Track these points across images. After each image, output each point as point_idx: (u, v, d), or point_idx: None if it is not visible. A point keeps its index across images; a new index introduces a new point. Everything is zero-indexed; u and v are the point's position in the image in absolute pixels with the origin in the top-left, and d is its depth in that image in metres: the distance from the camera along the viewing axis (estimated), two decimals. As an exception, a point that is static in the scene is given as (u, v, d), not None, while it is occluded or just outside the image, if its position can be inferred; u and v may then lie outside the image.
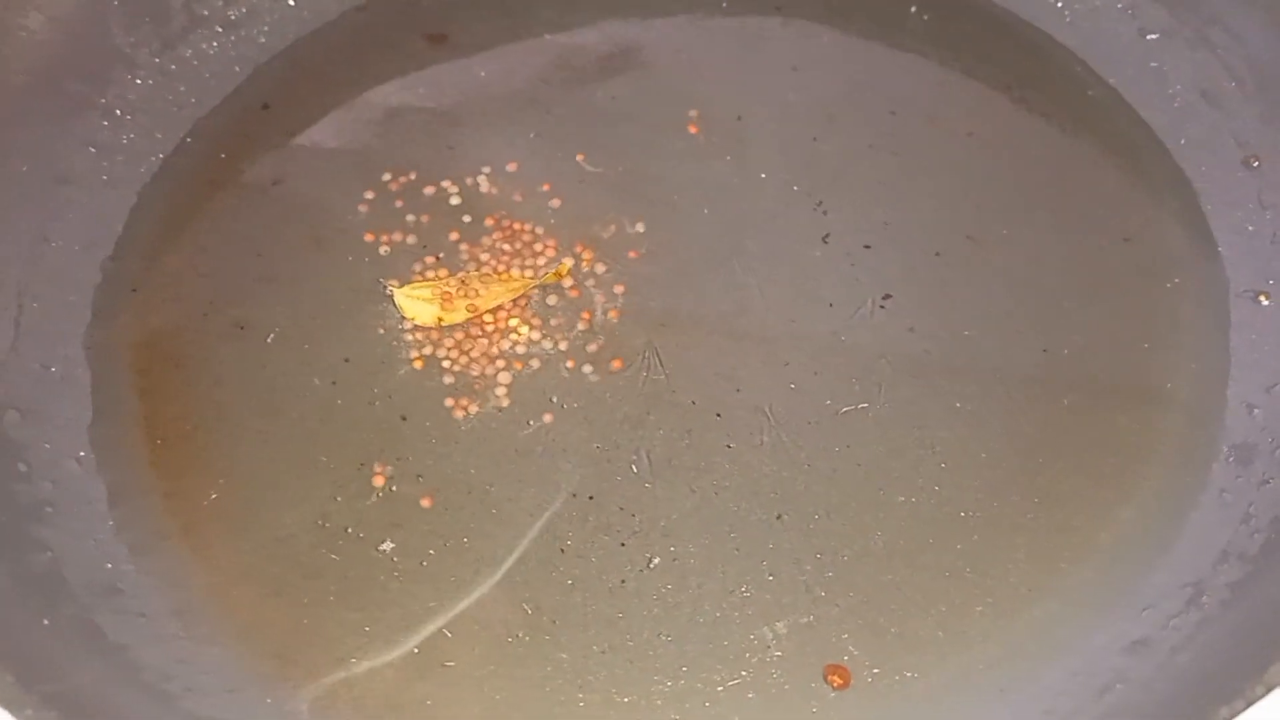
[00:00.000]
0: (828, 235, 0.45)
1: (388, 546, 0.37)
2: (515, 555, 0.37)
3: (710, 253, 0.44)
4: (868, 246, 0.44)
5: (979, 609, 0.36)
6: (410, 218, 0.45)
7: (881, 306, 0.43)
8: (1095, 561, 0.37)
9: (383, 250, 0.44)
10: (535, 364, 0.42)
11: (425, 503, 0.38)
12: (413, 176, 0.46)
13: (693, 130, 0.47)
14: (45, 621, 0.31)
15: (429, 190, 0.46)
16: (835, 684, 0.35)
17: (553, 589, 0.37)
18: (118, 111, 0.47)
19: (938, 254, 0.44)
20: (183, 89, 0.49)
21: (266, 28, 0.51)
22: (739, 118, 0.48)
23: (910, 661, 0.35)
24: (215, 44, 0.50)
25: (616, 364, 0.41)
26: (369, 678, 0.35)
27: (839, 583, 0.37)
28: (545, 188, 0.46)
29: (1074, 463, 0.39)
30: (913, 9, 0.51)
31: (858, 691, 0.35)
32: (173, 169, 0.47)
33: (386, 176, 0.47)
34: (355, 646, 0.36)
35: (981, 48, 0.49)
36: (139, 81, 0.48)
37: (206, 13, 0.49)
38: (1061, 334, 0.42)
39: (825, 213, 0.45)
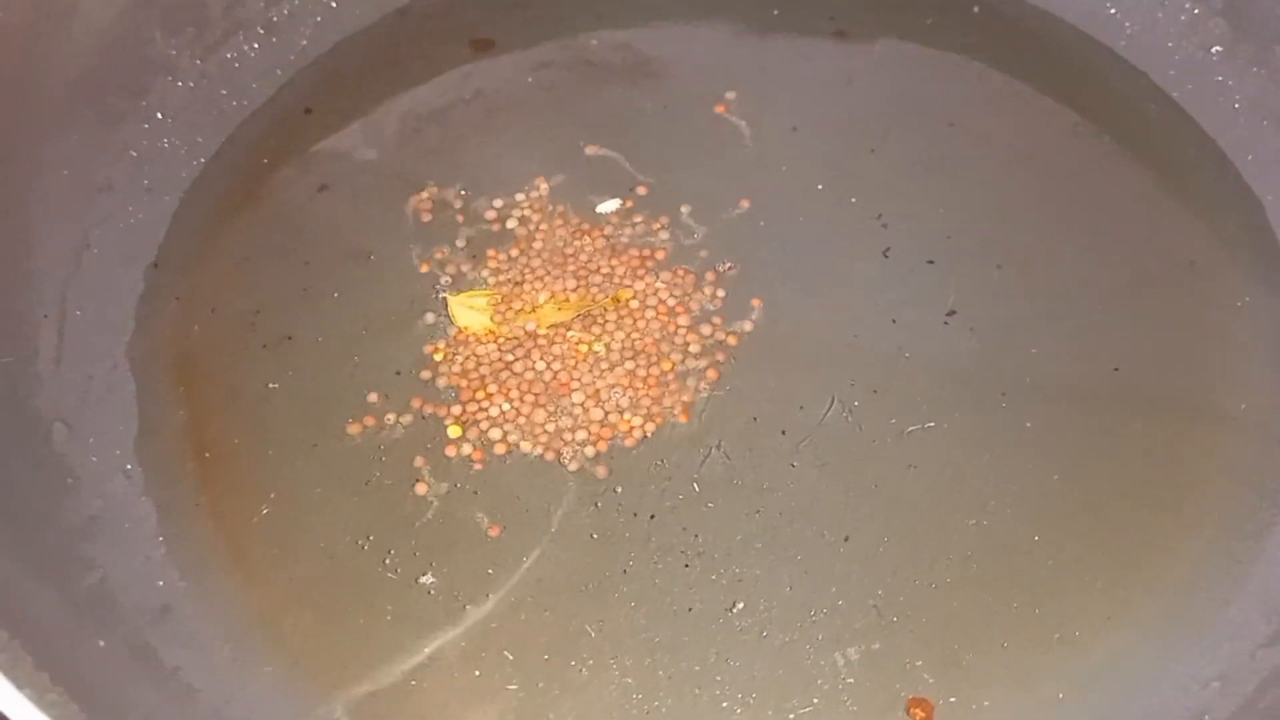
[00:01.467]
0: (888, 249, 0.44)
1: (437, 567, 0.36)
2: (577, 575, 0.36)
3: (769, 266, 0.43)
4: (930, 262, 0.43)
5: (1056, 636, 0.35)
6: (458, 226, 0.44)
7: (945, 323, 0.42)
8: (1171, 591, 0.36)
9: (432, 259, 0.44)
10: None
11: (480, 520, 0.37)
12: (459, 185, 0.46)
13: (717, 109, 0.46)
14: (100, 643, 0.30)
15: (475, 198, 0.45)
16: (917, 716, 0.34)
17: (616, 611, 0.36)
18: (159, 116, 0.46)
19: (1001, 270, 0.43)
20: (224, 93, 0.48)
21: (308, 31, 0.50)
22: (794, 129, 0.47)
23: (986, 691, 0.34)
24: (256, 47, 0.49)
25: (675, 380, 0.41)
26: (427, 701, 0.34)
27: (910, 609, 0.36)
28: (595, 199, 0.45)
29: (1145, 487, 0.38)
30: (975, 9, 0.50)
31: (933, 721, 0.34)
32: (214, 175, 0.46)
33: (433, 184, 0.46)
34: (414, 666, 0.34)
35: (1040, 61, 0.49)
36: (180, 86, 0.47)
37: (247, 16, 0.49)
38: (1130, 354, 0.41)
39: (885, 226, 0.44)
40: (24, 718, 0.23)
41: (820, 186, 0.45)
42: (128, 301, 0.42)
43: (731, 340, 0.41)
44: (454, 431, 0.39)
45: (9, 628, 0.26)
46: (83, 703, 0.25)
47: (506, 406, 0.39)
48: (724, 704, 0.34)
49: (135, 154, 0.45)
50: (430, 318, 0.42)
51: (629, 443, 0.39)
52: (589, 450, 0.39)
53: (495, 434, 0.39)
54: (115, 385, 0.40)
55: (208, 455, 0.39)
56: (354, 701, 0.34)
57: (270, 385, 0.40)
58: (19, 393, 0.37)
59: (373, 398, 0.40)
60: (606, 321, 0.41)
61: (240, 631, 0.34)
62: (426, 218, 0.45)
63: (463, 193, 0.45)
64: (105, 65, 0.44)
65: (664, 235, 0.44)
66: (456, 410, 0.39)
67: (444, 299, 0.42)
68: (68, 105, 0.43)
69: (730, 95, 0.48)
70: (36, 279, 0.40)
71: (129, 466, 0.37)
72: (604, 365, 0.40)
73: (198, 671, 0.33)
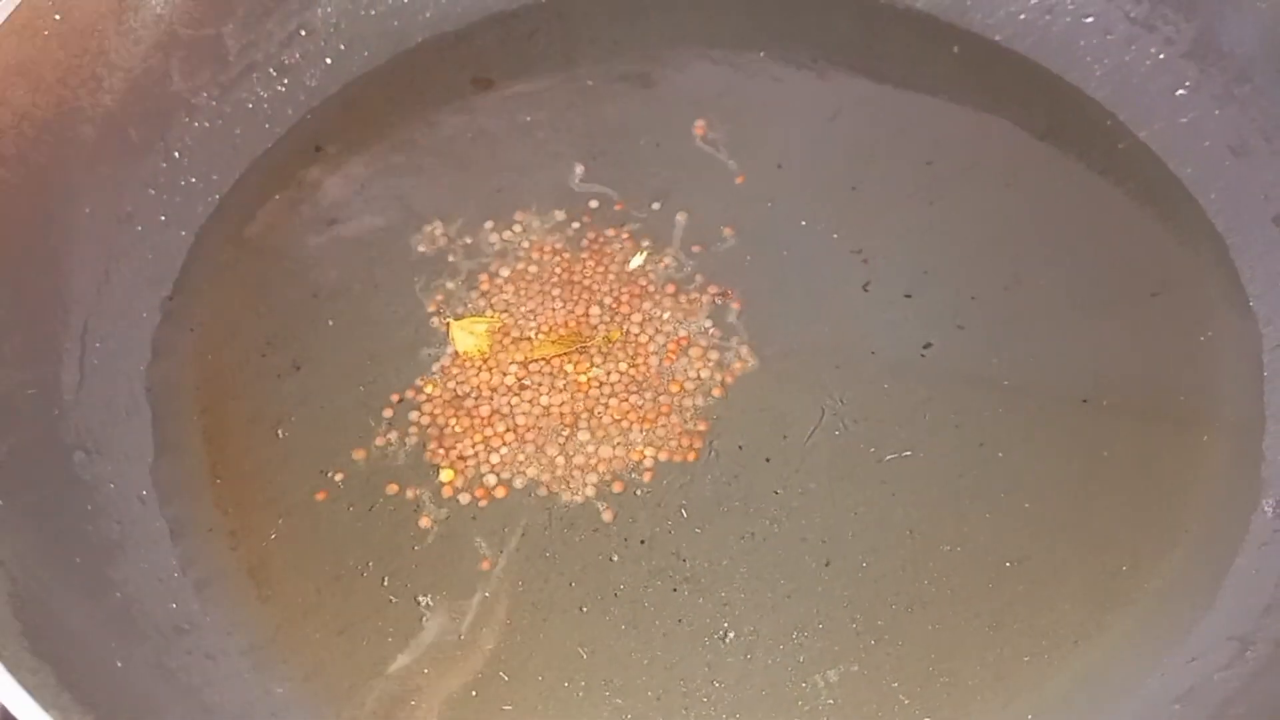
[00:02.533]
0: (868, 283, 0.46)
1: (435, 591, 0.38)
2: (569, 599, 0.38)
3: (754, 298, 0.45)
4: (908, 295, 0.45)
5: (1026, 658, 0.37)
6: (459, 257, 0.47)
7: (922, 355, 0.44)
8: (1139, 611, 0.38)
9: (434, 289, 0.46)
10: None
11: (478, 546, 0.39)
12: (461, 218, 0.48)
13: (730, 168, 0.49)
14: (118, 664, 0.32)
15: (475, 231, 0.47)
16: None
17: (607, 634, 0.37)
18: (176, 154, 0.48)
19: (977, 303, 0.45)
20: (238, 132, 0.50)
21: (318, 72, 0.53)
22: (779, 166, 0.50)
23: (961, 711, 0.36)
24: (269, 88, 0.52)
25: (664, 409, 0.43)
26: (427, 714, 0.36)
27: (889, 630, 0.37)
28: (591, 232, 0.47)
29: (1115, 513, 0.40)
30: (955, 49, 0.52)
31: (909, 740, 0.36)
32: (229, 210, 0.49)
33: (436, 217, 0.48)
34: (414, 687, 0.36)
35: (1015, 99, 0.51)
36: (197, 125, 0.49)
37: (261, 58, 0.51)
38: (1101, 385, 0.43)
39: (865, 260, 0.46)
40: None
41: (803, 222, 0.47)
42: (145, 331, 0.44)
43: (717, 372, 0.43)
44: (446, 475, 0.40)
45: (36, 649, 0.28)
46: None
47: (504, 451, 0.41)
48: (710, 722, 0.36)
49: (153, 190, 0.47)
50: (431, 349, 0.44)
51: (624, 472, 0.41)
52: (584, 480, 0.40)
53: (491, 480, 0.40)
54: (133, 412, 0.42)
55: (220, 481, 0.41)
56: (360, 717, 0.35)
57: (283, 412, 0.42)
58: (43, 420, 0.39)
59: (378, 425, 0.42)
60: (601, 354, 0.44)
61: (254, 650, 0.36)
62: (430, 250, 0.47)
63: (464, 225, 0.48)
64: (128, 104, 0.46)
65: (655, 267, 0.46)
66: (454, 452, 0.41)
67: (447, 323, 0.44)
68: (94, 142, 0.45)
69: (719, 133, 0.50)
70: (61, 310, 0.42)
71: (145, 491, 0.39)
72: (598, 397, 0.42)
73: (215, 689, 0.34)
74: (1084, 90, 0.50)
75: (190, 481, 0.40)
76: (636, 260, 0.45)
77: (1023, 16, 0.52)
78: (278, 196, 0.49)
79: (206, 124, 0.50)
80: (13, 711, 0.25)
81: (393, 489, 0.40)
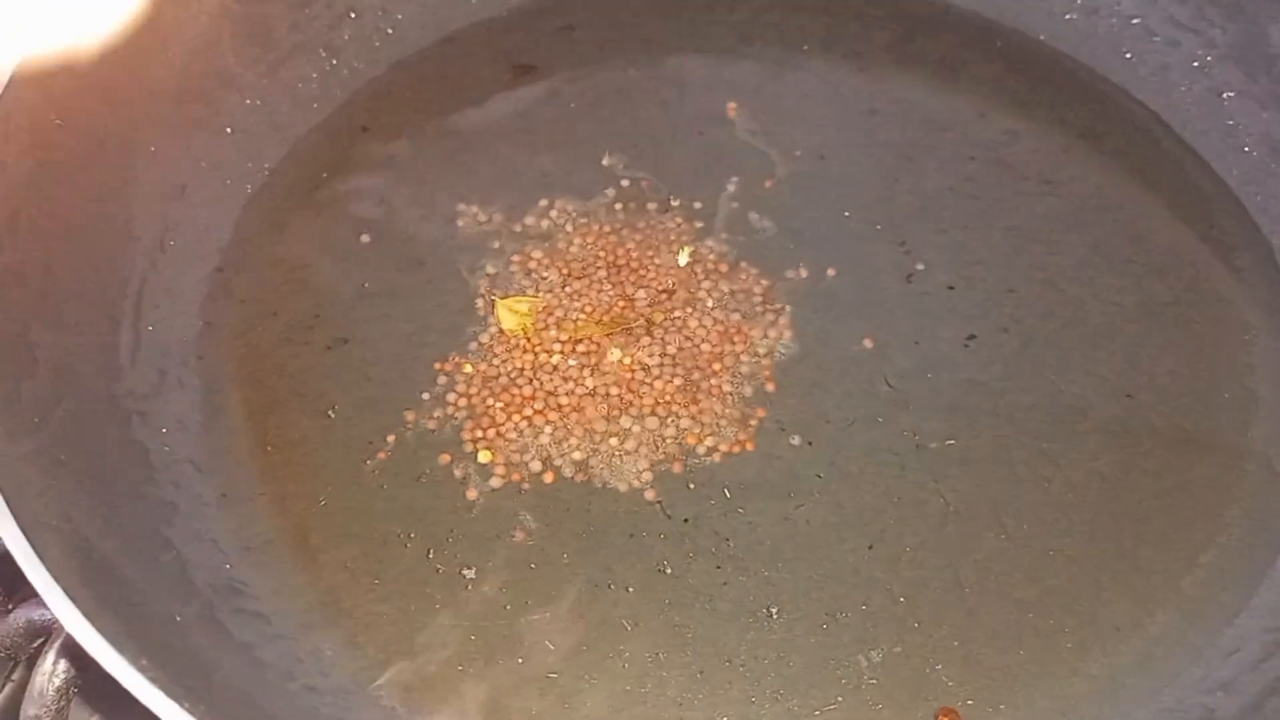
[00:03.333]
0: (911, 275, 0.46)
1: (480, 562, 0.38)
2: (614, 573, 0.38)
3: (798, 287, 0.45)
4: (951, 287, 0.46)
5: (1068, 645, 0.37)
6: (502, 238, 0.47)
7: (965, 345, 0.44)
8: (1180, 604, 0.38)
9: (478, 268, 0.46)
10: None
11: (524, 519, 0.39)
12: (507, 200, 0.48)
13: (762, 170, 0.49)
14: (178, 618, 0.33)
15: (523, 213, 0.48)
16: (945, 724, 0.36)
17: (651, 609, 0.38)
18: (228, 129, 0.49)
19: (1019, 296, 0.45)
20: (286, 110, 0.51)
21: (366, 54, 0.54)
22: (821, 157, 0.50)
23: (1003, 695, 0.36)
24: (317, 68, 0.52)
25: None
26: (475, 684, 0.36)
27: (931, 614, 0.38)
28: (634, 217, 0.48)
29: (1157, 507, 0.40)
30: (998, 43, 0.53)
31: (951, 721, 0.36)
32: (277, 186, 0.49)
33: (483, 199, 0.49)
34: (461, 653, 0.37)
35: (1058, 98, 0.51)
36: (248, 102, 0.50)
37: (309, 39, 0.52)
38: (1142, 381, 0.43)
39: (908, 252, 0.47)
40: (125, 679, 0.25)
41: (846, 213, 0.48)
42: (196, 302, 0.45)
43: (761, 357, 0.44)
44: (484, 456, 0.41)
45: (104, 601, 0.29)
46: (167, 669, 0.27)
47: (548, 430, 0.41)
48: (753, 699, 0.36)
49: (205, 164, 0.48)
50: (475, 327, 0.44)
51: (667, 453, 0.41)
52: (627, 461, 0.41)
53: (534, 461, 0.41)
54: (185, 380, 0.42)
55: (269, 449, 0.41)
56: (406, 681, 0.36)
57: (328, 386, 0.43)
58: (101, 383, 0.39)
59: (424, 399, 0.42)
60: (644, 337, 0.44)
61: (302, 611, 0.37)
62: (474, 231, 0.48)
63: (508, 208, 0.48)
64: (184, 78, 0.47)
65: (696, 252, 0.47)
66: (496, 431, 0.41)
67: (491, 301, 0.45)
68: (152, 114, 0.46)
69: (761, 124, 0.51)
70: (119, 278, 0.42)
71: (197, 456, 0.40)
72: (642, 379, 0.43)
73: (265, 647, 0.35)
74: (1128, 91, 0.51)
75: (239, 449, 0.41)
76: (683, 257, 0.45)
77: (1068, 16, 0.52)
78: (325, 175, 0.50)
79: (257, 101, 0.50)
80: (91, 653, 0.25)
81: (443, 459, 0.41)
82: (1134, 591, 0.38)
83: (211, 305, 0.45)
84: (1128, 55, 0.52)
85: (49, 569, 0.27)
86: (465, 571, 0.38)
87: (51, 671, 0.36)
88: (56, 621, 0.35)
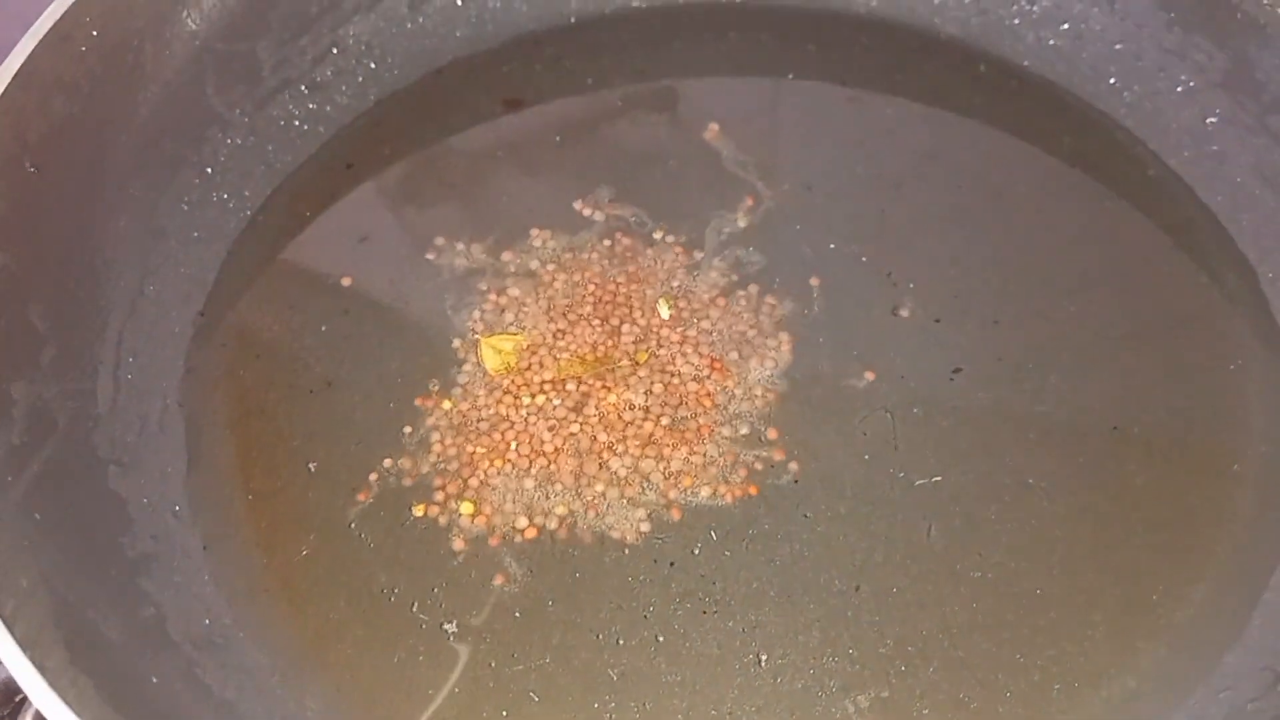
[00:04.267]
0: (898, 307, 0.46)
1: (463, 612, 0.38)
2: (599, 620, 0.38)
3: (783, 321, 0.45)
4: (938, 320, 0.45)
5: (1057, 686, 0.37)
6: (489, 275, 0.47)
7: (951, 379, 0.44)
8: (1170, 641, 0.38)
9: (464, 306, 0.46)
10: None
11: (509, 565, 0.39)
12: (491, 236, 0.48)
13: (760, 191, 0.49)
14: (154, 679, 0.32)
15: (509, 249, 0.48)
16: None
17: (637, 656, 0.37)
18: (209, 170, 0.49)
19: (1006, 328, 0.45)
20: (270, 148, 0.51)
21: (350, 90, 0.53)
22: (808, 188, 0.50)
23: (991, 738, 0.36)
24: (301, 105, 0.52)
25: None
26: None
27: (919, 656, 0.37)
28: (621, 252, 0.48)
29: (1146, 541, 0.40)
30: (982, 67, 0.52)
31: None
32: (261, 226, 0.49)
33: (469, 235, 0.48)
34: (446, 706, 0.36)
35: (1044, 126, 0.51)
36: (230, 141, 0.50)
37: (294, 75, 0.52)
38: (1129, 413, 0.43)
39: (895, 284, 0.46)
40: None
41: (833, 245, 0.48)
42: (178, 347, 0.44)
43: (746, 395, 0.43)
44: (467, 509, 0.40)
45: (76, 660, 0.28)
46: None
47: (534, 471, 0.41)
48: (740, 746, 0.36)
49: (187, 205, 0.48)
50: (461, 367, 0.44)
51: (652, 495, 0.41)
52: (610, 503, 0.40)
53: (518, 508, 0.40)
54: (166, 426, 0.42)
55: (251, 496, 0.41)
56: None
57: (314, 429, 0.42)
58: (79, 432, 0.39)
59: (407, 444, 0.42)
60: (630, 376, 0.44)
61: (285, 664, 0.36)
62: (460, 268, 0.48)
63: (494, 244, 0.48)
64: (164, 118, 0.47)
65: (684, 291, 0.46)
66: (475, 481, 0.41)
67: (476, 341, 0.45)
68: (130, 155, 0.45)
69: (751, 155, 0.50)
70: (97, 322, 0.42)
71: (178, 506, 0.40)
72: (628, 420, 0.42)
73: (248, 703, 0.35)
74: (1113, 117, 0.51)
75: (222, 496, 0.40)
76: (664, 310, 0.45)
77: (1052, 43, 0.52)
78: (309, 213, 0.50)
79: (240, 140, 0.50)
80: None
81: (420, 510, 0.40)
82: (1124, 629, 0.38)
83: (193, 350, 0.44)
84: (1113, 82, 0.51)
85: (16, 637, 0.26)
86: (447, 625, 0.38)
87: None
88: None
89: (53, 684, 0.25)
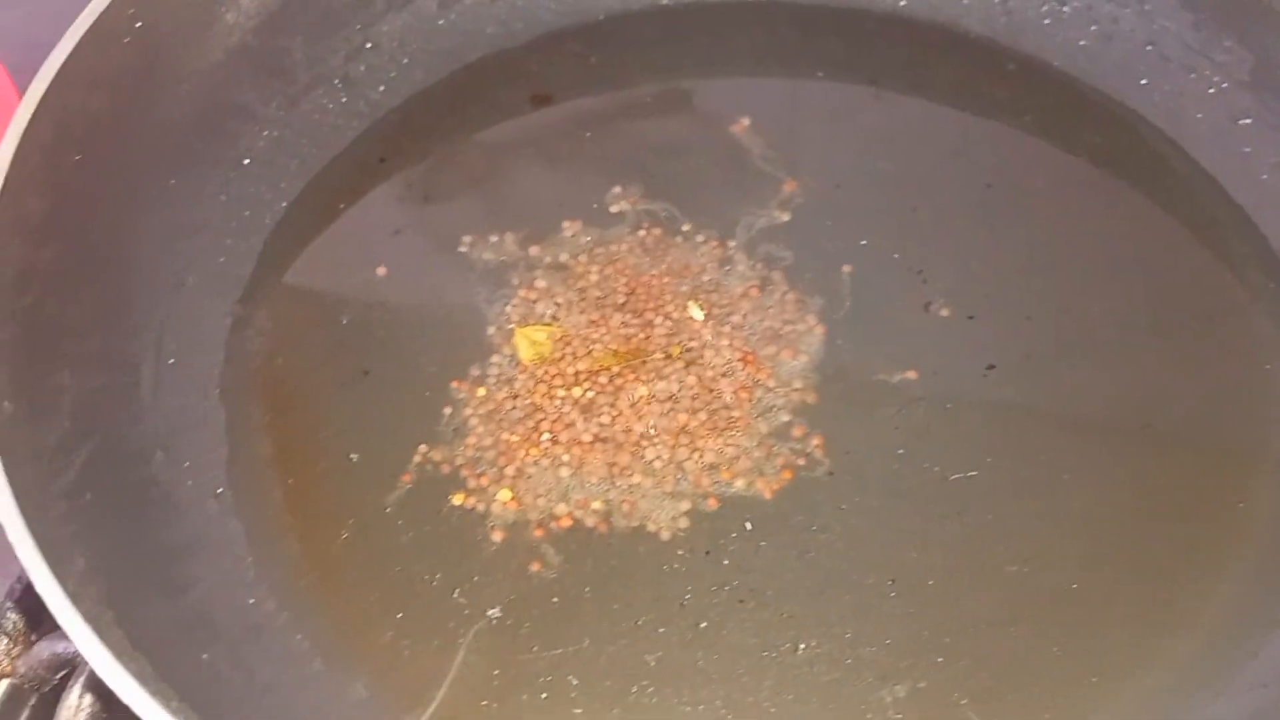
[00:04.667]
0: (929, 303, 0.46)
1: (504, 597, 0.38)
2: (636, 608, 0.38)
3: (815, 315, 0.45)
4: (970, 317, 0.45)
5: (1093, 679, 0.37)
6: (521, 268, 0.47)
7: (984, 375, 0.44)
8: (1204, 635, 0.38)
9: (497, 299, 0.46)
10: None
11: (545, 552, 0.39)
12: (524, 230, 0.48)
13: (789, 187, 0.50)
14: (204, 657, 0.33)
15: (541, 243, 0.48)
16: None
17: (675, 643, 0.38)
18: (246, 163, 0.49)
19: (1038, 325, 0.45)
20: (304, 143, 0.51)
21: (382, 86, 0.54)
22: (838, 186, 0.50)
23: (1029, 729, 0.36)
24: (335, 100, 0.53)
25: (729, 423, 0.43)
26: (499, 716, 0.36)
27: (955, 648, 0.37)
28: (650, 244, 0.48)
29: (1177, 536, 0.40)
30: (1010, 66, 0.52)
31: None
32: (296, 219, 0.49)
33: (501, 228, 0.49)
34: (488, 690, 0.37)
35: (1073, 124, 0.51)
36: (266, 134, 0.50)
37: (328, 70, 0.52)
38: (1162, 409, 0.43)
39: (926, 281, 0.47)
40: None
41: (863, 241, 0.48)
42: (217, 336, 0.45)
43: (779, 389, 0.43)
44: (504, 495, 0.41)
45: (133, 640, 0.29)
46: (200, 712, 0.28)
47: (567, 460, 0.41)
48: (777, 735, 0.36)
49: (224, 198, 0.48)
50: (496, 358, 0.44)
51: (687, 486, 0.41)
52: (646, 493, 0.41)
53: (554, 496, 0.40)
54: (207, 415, 0.42)
55: (292, 482, 0.41)
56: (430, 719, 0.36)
57: (350, 418, 0.43)
58: (122, 422, 0.39)
59: (443, 431, 0.42)
60: (664, 368, 0.44)
61: (327, 649, 0.37)
62: (493, 260, 0.48)
63: (526, 237, 0.48)
64: (201, 112, 0.47)
65: (716, 286, 0.46)
66: (511, 470, 0.41)
67: (510, 331, 0.45)
68: (169, 149, 0.46)
69: (779, 152, 0.51)
70: (138, 314, 0.43)
71: (220, 491, 0.40)
72: (661, 411, 0.43)
73: (290, 688, 0.35)
74: (1143, 116, 0.51)
75: (263, 483, 0.41)
76: (696, 312, 0.45)
77: (1081, 42, 0.52)
78: (342, 206, 0.50)
79: (275, 134, 0.51)
80: (121, 696, 0.26)
81: (458, 498, 0.41)
82: (1158, 623, 0.38)
83: (232, 340, 0.45)
84: (1143, 81, 0.51)
85: (81, 614, 0.27)
86: (488, 609, 0.38)
87: (77, 706, 0.36)
88: (80, 655, 0.36)
89: (117, 658, 0.26)
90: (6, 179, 0.37)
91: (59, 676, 0.38)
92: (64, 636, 0.37)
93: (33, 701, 0.39)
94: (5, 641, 0.39)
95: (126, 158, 0.44)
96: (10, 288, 0.37)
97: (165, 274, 0.44)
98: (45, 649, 0.38)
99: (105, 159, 0.43)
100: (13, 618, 0.39)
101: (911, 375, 0.44)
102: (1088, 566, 0.39)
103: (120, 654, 0.26)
